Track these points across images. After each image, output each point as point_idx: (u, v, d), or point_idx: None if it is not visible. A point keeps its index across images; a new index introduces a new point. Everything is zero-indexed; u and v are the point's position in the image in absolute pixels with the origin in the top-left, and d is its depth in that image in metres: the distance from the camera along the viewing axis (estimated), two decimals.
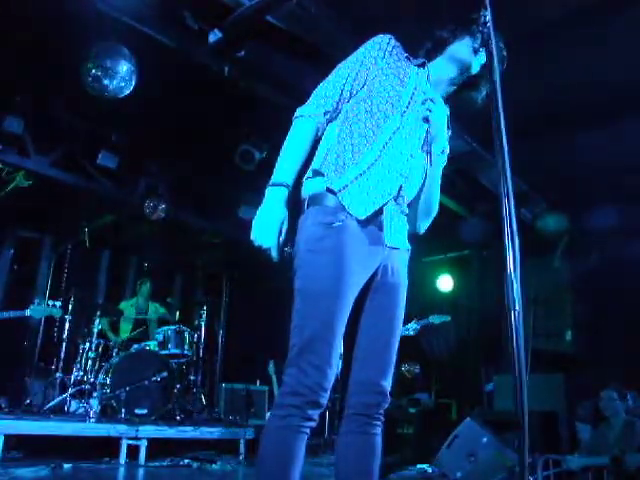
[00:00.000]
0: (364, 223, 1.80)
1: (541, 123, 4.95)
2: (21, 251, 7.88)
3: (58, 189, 6.52)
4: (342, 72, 1.90)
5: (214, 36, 4.23)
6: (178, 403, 5.70)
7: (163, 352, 5.91)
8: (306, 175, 1.91)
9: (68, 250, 7.91)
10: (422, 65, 1.98)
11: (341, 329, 1.74)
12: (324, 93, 1.88)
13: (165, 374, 5.44)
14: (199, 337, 6.52)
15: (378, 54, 1.90)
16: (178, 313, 7.80)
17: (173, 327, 6.26)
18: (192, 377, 6.42)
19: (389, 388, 1.88)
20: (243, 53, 4.43)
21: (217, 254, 9.30)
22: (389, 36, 1.94)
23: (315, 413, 1.67)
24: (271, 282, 10.62)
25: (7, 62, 4.87)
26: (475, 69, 1.95)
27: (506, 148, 1.53)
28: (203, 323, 6.63)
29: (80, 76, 4.67)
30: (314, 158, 1.92)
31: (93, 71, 4.56)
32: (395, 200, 1.87)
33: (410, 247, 1.99)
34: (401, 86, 1.89)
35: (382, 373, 1.85)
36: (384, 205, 1.83)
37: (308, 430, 1.68)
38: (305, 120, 1.86)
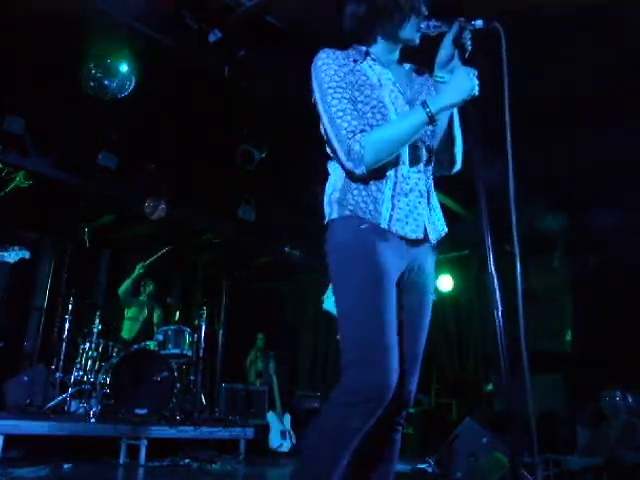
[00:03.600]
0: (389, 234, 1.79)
1: (539, 120, 4.94)
2: None
3: (58, 189, 6.53)
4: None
5: (214, 36, 4.23)
6: (178, 403, 5.70)
7: (163, 352, 5.90)
8: (328, 196, 1.89)
9: (68, 250, 7.91)
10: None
11: (394, 324, 1.71)
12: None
13: (165, 374, 5.44)
14: (199, 337, 6.51)
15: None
16: (178, 313, 7.79)
17: (173, 327, 6.26)
18: (192, 377, 6.42)
19: (414, 392, 1.85)
20: (243, 53, 4.44)
21: (217, 254, 9.31)
22: (326, 52, 1.87)
23: (377, 412, 1.61)
24: (270, 282, 10.67)
25: (7, 62, 4.87)
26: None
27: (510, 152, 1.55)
28: (203, 323, 6.63)
29: (80, 76, 4.67)
30: (332, 179, 1.89)
31: (93, 72, 4.56)
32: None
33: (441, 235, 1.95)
34: (379, 89, 1.86)
35: (408, 378, 1.82)
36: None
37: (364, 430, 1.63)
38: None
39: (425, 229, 1.85)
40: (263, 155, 6.01)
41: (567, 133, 5.26)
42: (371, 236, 1.75)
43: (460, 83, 1.74)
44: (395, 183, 1.82)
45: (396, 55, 2.01)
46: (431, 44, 1.90)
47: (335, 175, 1.89)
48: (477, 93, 1.75)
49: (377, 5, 1.88)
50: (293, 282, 10.55)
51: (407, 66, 2.03)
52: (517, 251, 1.59)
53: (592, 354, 6.48)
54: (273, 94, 4.86)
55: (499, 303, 1.45)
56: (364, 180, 1.80)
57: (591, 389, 5.20)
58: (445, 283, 8.49)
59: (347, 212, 1.80)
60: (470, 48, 1.84)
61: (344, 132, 1.75)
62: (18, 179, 6.28)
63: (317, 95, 1.83)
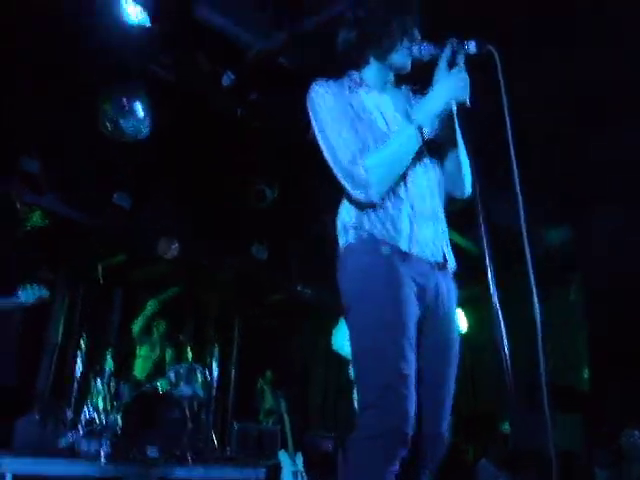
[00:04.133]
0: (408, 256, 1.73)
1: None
2: None
3: (73, 228, 6.61)
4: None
5: (227, 78, 4.33)
6: (190, 443, 5.64)
7: (174, 391, 5.87)
8: (342, 222, 1.84)
9: (82, 288, 7.96)
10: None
11: (414, 363, 1.62)
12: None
13: (177, 413, 5.40)
14: (211, 376, 6.48)
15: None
16: (190, 351, 7.77)
17: (185, 365, 6.23)
18: (204, 416, 6.36)
19: (447, 435, 1.75)
20: (255, 95, 4.53)
21: (229, 292, 9.32)
22: (320, 83, 1.86)
23: (403, 452, 1.54)
24: (282, 320, 10.62)
25: (24, 103, 5.00)
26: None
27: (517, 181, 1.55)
28: (215, 361, 6.59)
29: (96, 117, 4.79)
30: (346, 205, 1.84)
31: (110, 113, 4.68)
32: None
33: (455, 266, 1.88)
34: (379, 117, 1.85)
35: (439, 419, 1.73)
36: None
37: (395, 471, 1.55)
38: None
39: (444, 253, 1.82)
40: (275, 194, 6.07)
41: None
42: (393, 262, 1.69)
43: (442, 87, 1.73)
44: (412, 205, 1.77)
45: (391, 77, 1.98)
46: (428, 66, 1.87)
47: (346, 202, 1.84)
48: (465, 97, 1.72)
49: (366, 31, 1.88)
50: (305, 320, 10.50)
51: (404, 87, 2.02)
52: (533, 283, 1.54)
53: (610, 391, 6.36)
54: (284, 135, 4.94)
55: (504, 337, 1.42)
56: (379, 204, 1.74)
57: (609, 428, 5.09)
58: (458, 320, 8.39)
59: (364, 235, 1.74)
60: (464, 74, 1.79)
61: (345, 162, 1.72)
62: (34, 218, 6.38)
63: (315, 127, 1.81)
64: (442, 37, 1.82)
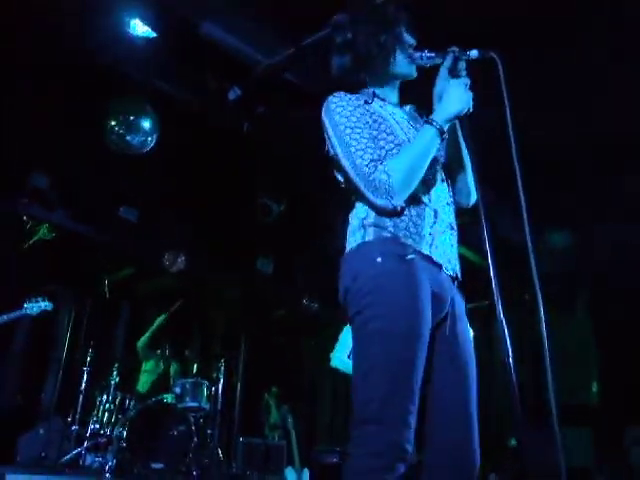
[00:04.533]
0: (428, 260, 1.67)
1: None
2: None
3: (79, 242, 6.64)
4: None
5: (233, 93, 4.36)
6: (195, 457, 5.60)
7: (180, 405, 5.84)
8: (360, 219, 1.76)
9: (88, 302, 7.97)
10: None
11: (420, 381, 1.55)
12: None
13: (182, 428, 5.37)
14: (217, 390, 6.45)
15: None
16: (196, 366, 7.75)
17: (191, 380, 6.21)
18: (209, 431, 6.32)
19: (479, 460, 1.64)
20: (262, 110, 4.56)
21: (235, 306, 9.31)
22: (338, 95, 1.82)
23: (402, 469, 1.47)
24: (289, 334, 10.60)
25: (32, 119, 5.04)
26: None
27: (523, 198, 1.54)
28: (221, 376, 6.57)
29: (103, 133, 4.83)
30: (359, 206, 1.78)
31: (116, 128, 4.71)
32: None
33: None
34: (396, 127, 1.84)
35: (470, 439, 1.64)
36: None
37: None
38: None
39: (457, 265, 1.79)
40: (281, 208, 6.08)
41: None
42: (415, 269, 1.61)
43: (458, 93, 1.71)
44: (435, 213, 1.74)
45: (395, 97, 1.98)
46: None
47: (363, 204, 1.76)
48: (470, 104, 1.72)
49: (359, 51, 1.84)
50: (312, 334, 10.47)
51: (407, 107, 2.01)
52: (540, 298, 1.51)
53: (620, 407, 6.29)
54: (291, 149, 4.96)
55: (510, 351, 1.40)
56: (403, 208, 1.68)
57: (619, 443, 5.02)
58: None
59: (386, 234, 1.66)
60: (467, 81, 1.79)
61: (366, 169, 1.65)
62: (42, 231, 6.41)
63: (333, 138, 1.75)
64: (443, 43, 1.81)
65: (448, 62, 1.78)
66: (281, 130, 4.81)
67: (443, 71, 1.81)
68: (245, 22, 3.87)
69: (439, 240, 1.72)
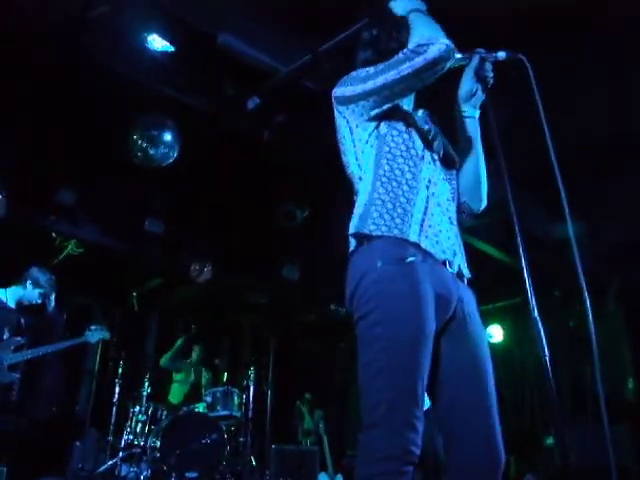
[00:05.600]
0: (430, 257, 1.66)
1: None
2: (73, 316, 8.08)
3: (107, 255, 6.74)
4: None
5: (252, 103, 4.39)
6: (228, 466, 5.63)
7: (212, 414, 5.88)
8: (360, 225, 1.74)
9: (117, 314, 8.07)
10: None
11: (426, 378, 1.55)
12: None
13: (215, 436, 5.40)
14: (247, 398, 6.48)
15: None
16: (226, 374, 7.79)
17: (221, 388, 6.25)
18: (241, 439, 6.34)
19: (503, 456, 1.60)
20: (281, 118, 4.58)
21: (263, 314, 9.35)
22: None
23: (411, 472, 1.46)
24: (317, 340, 10.60)
25: (58, 136, 5.14)
26: None
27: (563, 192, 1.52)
28: (251, 384, 6.60)
29: (126, 146, 4.90)
30: (360, 205, 1.77)
31: (139, 142, 4.77)
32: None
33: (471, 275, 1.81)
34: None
35: (492, 434, 1.60)
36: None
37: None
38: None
39: (462, 261, 1.77)
40: (305, 214, 6.10)
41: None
42: (419, 272, 1.60)
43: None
44: (438, 205, 1.74)
45: (411, 101, 1.98)
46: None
47: (360, 201, 1.77)
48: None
49: (380, 46, 1.87)
50: (340, 339, 10.46)
51: (420, 112, 2.01)
52: (586, 295, 1.48)
53: None
54: (312, 155, 4.97)
55: (546, 349, 1.38)
56: (394, 190, 1.69)
57: None
58: (495, 333, 8.27)
59: (387, 233, 1.65)
60: (492, 81, 1.80)
61: (399, 58, 1.66)
62: (70, 247, 6.52)
63: (351, 88, 1.74)
64: (470, 45, 1.81)
65: (474, 62, 1.79)
66: (301, 136, 4.82)
67: (469, 72, 1.82)
68: (261, 31, 3.90)
69: (439, 233, 1.71)
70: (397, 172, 1.72)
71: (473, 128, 1.89)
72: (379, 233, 1.65)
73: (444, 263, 1.70)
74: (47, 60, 4.17)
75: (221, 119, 4.64)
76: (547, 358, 1.35)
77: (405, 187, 1.70)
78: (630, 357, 7.00)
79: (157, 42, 4.04)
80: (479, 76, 1.79)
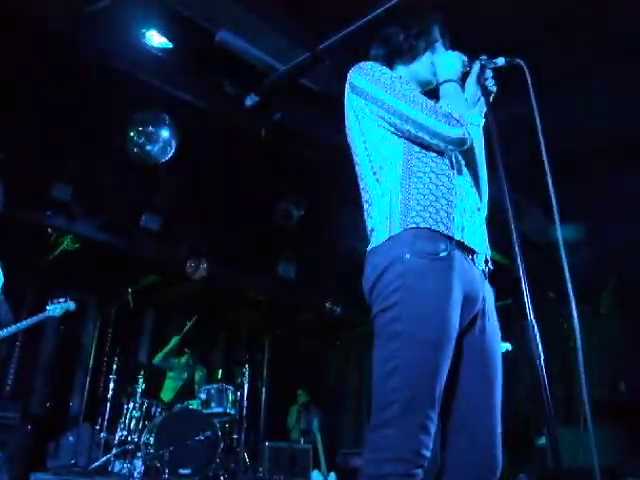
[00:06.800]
0: (461, 248, 1.61)
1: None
2: (68, 313, 8.07)
3: (103, 251, 6.72)
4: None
5: (250, 100, 4.39)
6: (222, 463, 5.63)
7: (206, 411, 5.88)
8: (384, 210, 1.66)
9: (113, 310, 8.07)
10: None
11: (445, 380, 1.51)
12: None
13: (208, 433, 5.40)
14: (242, 395, 6.48)
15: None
16: (221, 371, 7.79)
17: (216, 385, 6.25)
18: (235, 436, 6.35)
19: (501, 458, 1.58)
20: (279, 115, 4.58)
21: (258, 311, 9.35)
22: (372, 63, 1.82)
23: (421, 475, 1.42)
24: (312, 338, 10.60)
25: (55, 131, 5.13)
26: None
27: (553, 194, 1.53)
28: (246, 381, 6.60)
29: (123, 143, 4.89)
30: (383, 198, 1.68)
31: (136, 138, 4.77)
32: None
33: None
34: None
35: (496, 438, 1.59)
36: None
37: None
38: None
39: (487, 252, 1.73)
40: (301, 213, 6.10)
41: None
42: (446, 268, 1.53)
43: (448, 61, 1.80)
44: (464, 194, 1.71)
45: None
46: None
47: (385, 191, 1.67)
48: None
49: (392, 45, 1.90)
50: (335, 338, 10.47)
51: None
52: (572, 298, 1.48)
53: None
54: (309, 153, 4.98)
55: (540, 352, 1.39)
56: (428, 182, 1.64)
57: None
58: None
59: (413, 223, 1.57)
60: (495, 89, 1.82)
61: (431, 103, 1.65)
62: (65, 243, 6.51)
63: (378, 91, 1.69)
64: (472, 52, 1.84)
65: (475, 70, 1.82)
66: (299, 134, 4.82)
67: (471, 79, 1.84)
68: (260, 28, 3.89)
69: (469, 223, 1.66)
70: (432, 165, 1.69)
71: (478, 138, 1.89)
72: (426, 225, 1.57)
73: (472, 257, 1.66)
74: (45, 54, 4.16)
75: (219, 116, 4.63)
76: (541, 361, 1.35)
77: (440, 181, 1.66)
78: (623, 359, 7.03)
79: (156, 38, 4.03)
80: (480, 83, 1.82)
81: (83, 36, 3.95)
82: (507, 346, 5.51)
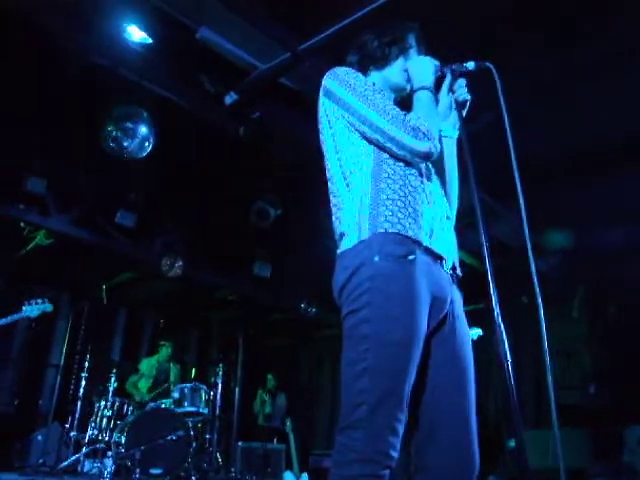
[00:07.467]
0: (429, 253, 1.63)
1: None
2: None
3: (77, 247, 6.64)
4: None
5: (230, 98, 4.38)
6: (194, 463, 5.59)
7: (179, 410, 5.84)
8: (353, 216, 1.67)
9: (85, 307, 7.98)
10: None
11: (413, 381, 1.52)
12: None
13: (181, 433, 5.36)
14: (215, 395, 6.45)
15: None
16: (194, 370, 7.75)
17: (189, 385, 6.21)
18: (208, 435, 6.32)
19: (478, 461, 1.59)
20: (258, 114, 4.57)
21: (232, 311, 9.32)
22: (348, 68, 1.82)
23: (387, 476, 1.43)
24: (287, 339, 10.60)
25: (29, 124, 5.05)
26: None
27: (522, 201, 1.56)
28: (219, 380, 6.57)
29: (100, 137, 4.83)
30: (352, 202, 1.68)
31: (113, 133, 4.72)
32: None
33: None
34: None
35: (470, 440, 1.59)
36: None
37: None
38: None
39: (455, 258, 1.75)
40: (278, 212, 6.10)
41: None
42: (414, 270, 1.55)
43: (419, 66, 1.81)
44: (433, 202, 1.72)
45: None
46: None
47: (355, 195, 1.67)
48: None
49: (366, 52, 1.91)
50: (310, 338, 10.48)
51: None
52: (539, 300, 1.51)
53: (616, 407, 6.31)
54: (287, 153, 4.98)
55: (508, 355, 1.40)
56: (397, 188, 1.65)
57: (616, 444, 5.03)
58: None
59: (381, 228, 1.58)
60: (469, 97, 1.83)
61: (401, 116, 1.66)
62: (39, 238, 6.41)
63: (350, 97, 1.70)
64: (445, 58, 1.85)
65: (448, 77, 1.84)
66: (278, 134, 4.82)
67: (444, 87, 1.86)
68: (241, 27, 3.88)
69: (438, 229, 1.68)
70: (400, 172, 1.70)
71: (450, 149, 1.90)
72: (395, 230, 1.58)
73: (441, 262, 1.68)
74: (21, 47, 4.09)
75: (197, 113, 4.61)
76: (509, 364, 1.37)
77: (410, 188, 1.67)
78: (592, 363, 7.16)
79: (136, 33, 3.99)
80: (453, 91, 1.83)
81: (62, 29, 3.89)
82: (478, 331, 5.54)
